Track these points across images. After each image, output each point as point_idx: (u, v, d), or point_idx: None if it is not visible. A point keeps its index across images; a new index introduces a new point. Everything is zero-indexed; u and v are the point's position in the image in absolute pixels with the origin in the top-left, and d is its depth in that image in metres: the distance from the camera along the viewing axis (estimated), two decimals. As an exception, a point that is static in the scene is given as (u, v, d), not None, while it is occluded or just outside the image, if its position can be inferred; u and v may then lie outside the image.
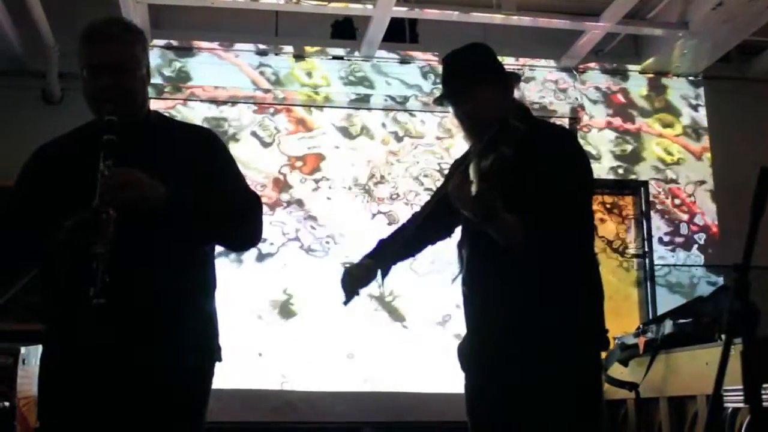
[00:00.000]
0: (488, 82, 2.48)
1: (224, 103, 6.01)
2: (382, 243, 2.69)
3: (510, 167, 2.25)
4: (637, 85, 6.60)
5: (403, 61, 6.31)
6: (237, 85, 6.05)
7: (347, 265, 2.67)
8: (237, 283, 5.48)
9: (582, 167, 2.50)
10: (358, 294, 2.56)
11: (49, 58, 5.60)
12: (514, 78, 2.57)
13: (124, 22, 2.47)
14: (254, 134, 5.99)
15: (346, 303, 2.56)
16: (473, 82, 2.47)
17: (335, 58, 6.26)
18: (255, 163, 5.91)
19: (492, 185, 2.19)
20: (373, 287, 2.61)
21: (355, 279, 2.57)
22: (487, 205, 2.20)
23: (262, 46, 6.15)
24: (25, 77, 5.84)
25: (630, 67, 6.59)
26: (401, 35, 6.26)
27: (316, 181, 5.98)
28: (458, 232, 2.70)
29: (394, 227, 2.81)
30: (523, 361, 2.34)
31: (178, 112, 5.90)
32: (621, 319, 5.99)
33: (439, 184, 5.57)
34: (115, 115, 2.16)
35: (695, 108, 6.60)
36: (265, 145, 5.99)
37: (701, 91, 6.62)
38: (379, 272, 2.60)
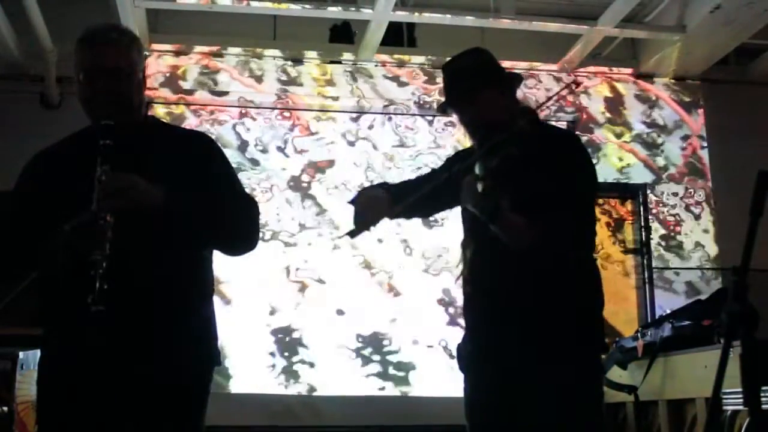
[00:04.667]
0: (490, 85, 2.48)
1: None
2: (390, 186, 2.58)
3: (517, 168, 2.24)
4: (634, 88, 6.60)
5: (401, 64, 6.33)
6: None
7: (362, 192, 2.50)
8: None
9: (587, 170, 2.51)
10: (369, 230, 2.42)
11: (48, 62, 5.61)
12: (516, 79, 2.57)
13: (120, 27, 2.46)
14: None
15: (353, 235, 2.41)
16: (475, 87, 2.47)
17: (333, 62, 6.26)
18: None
19: (498, 184, 2.19)
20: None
21: (372, 212, 2.43)
22: (493, 203, 2.19)
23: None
24: (24, 82, 5.86)
25: (627, 70, 6.60)
26: (399, 39, 6.27)
27: (327, 181, 6.05)
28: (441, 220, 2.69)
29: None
30: (523, 362, 2.34)
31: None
32: (620, 321, 6.00)
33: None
34: (111, 120, 2.15)
35: (693, 111, 6.60)
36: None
37: (699, 93, 6.63)
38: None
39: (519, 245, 2.28)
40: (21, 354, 3.95)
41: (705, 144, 6.53)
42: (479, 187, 2.21)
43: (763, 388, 1.80)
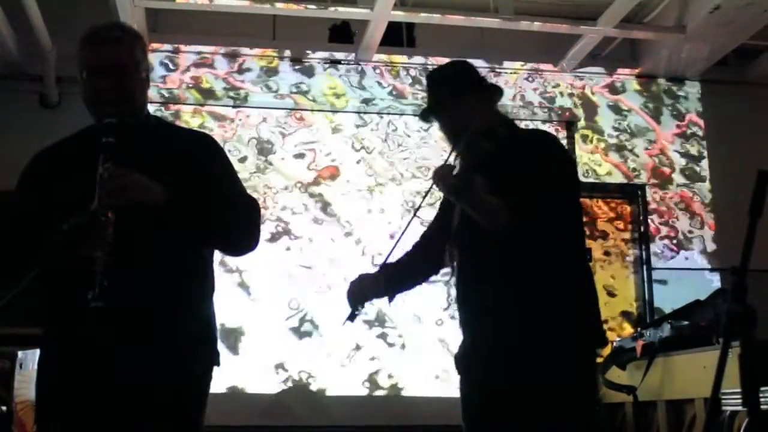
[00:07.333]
0: (469, 93, 2.55)
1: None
2: (387, 265, 2.66)
3: (491, 163, 2.28)
4: (633, 89, 6.61)
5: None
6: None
7: (353, 278, 2.62)
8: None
9: (564, 165, 2.56)
10: (362, 308, 2.54)
11: (47, 61, 5.61)
12: (495, 90, 2.64)
13: (124, 25, 2.47)
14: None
15: (350, 319, 2.53)
16: (455, 94, 2.55)
17: (333, 62, 6.27)
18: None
19: (472, 168, 2.23)
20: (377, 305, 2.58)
21: (361, 291, 2.57)
22: (465, 181, 2.24)
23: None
24: (23, 81, 5.85)
25: (627, 70, 6.61)
26: (399, 39, 6.27)
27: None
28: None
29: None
30: (516, 360, 2.35)
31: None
32: (618, 322, 6.01)
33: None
34: (114, 118, 2.16)
35: (692, 111, 6.61)
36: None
37: (698, 94, 6.64)
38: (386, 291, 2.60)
39: (495, 226, 2.31)
40: (20, 353, 3.95)
41: (703, 144, 6.54)
42: (454, 171, 2.27)
43: (762, 388, 1.80)
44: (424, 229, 2.76)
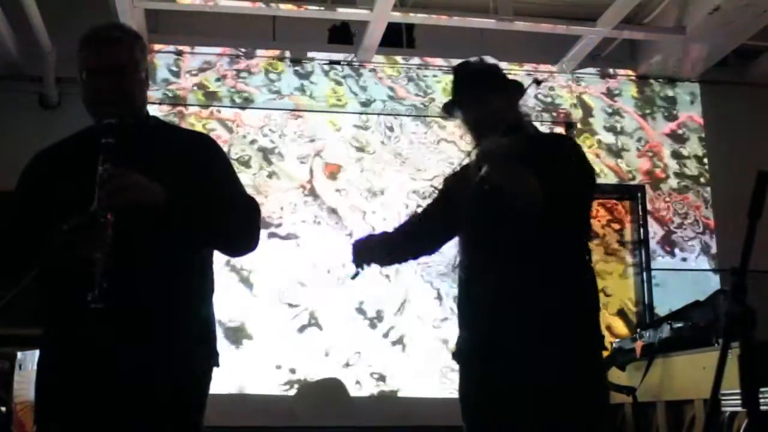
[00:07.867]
0: (496, 91, 2.56)
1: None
2: (397, 232, 2.73)
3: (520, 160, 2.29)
4: (632, 90, 6.62)
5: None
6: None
7: (360, 237, 2.68)
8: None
9: (586, 170, 2.55)
10: (366, 267, 2.58)
11: (46, 62, 5.62)
12: (520, 89, 2.63)
13: (123, 26, 2.47)
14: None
15: (353, 278, 2.59)
16: (483, 90, 2.56)
17: (332, 62, 6.28)
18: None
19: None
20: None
21: (367, 251, 2.61)
22: (510, 146, 2.25)
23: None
24: (23, 82, 5.85)
25: (626, 71, 6.61)
26: (398, 40, 6.28)
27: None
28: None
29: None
30: (516, 360, 2.35)
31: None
32: (618, 322, 6.01)
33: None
34: (113, 118, 2.16)
35: (692, 111, 6.61)
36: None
37: (698, 95, 6.64)
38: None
39: (529, 204, 2.30)
40: (19, 354, 3.95)
41: (703, 145, 6.55)
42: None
43: (762, 389, 1.80)
44: (425, 206, 2.79)
